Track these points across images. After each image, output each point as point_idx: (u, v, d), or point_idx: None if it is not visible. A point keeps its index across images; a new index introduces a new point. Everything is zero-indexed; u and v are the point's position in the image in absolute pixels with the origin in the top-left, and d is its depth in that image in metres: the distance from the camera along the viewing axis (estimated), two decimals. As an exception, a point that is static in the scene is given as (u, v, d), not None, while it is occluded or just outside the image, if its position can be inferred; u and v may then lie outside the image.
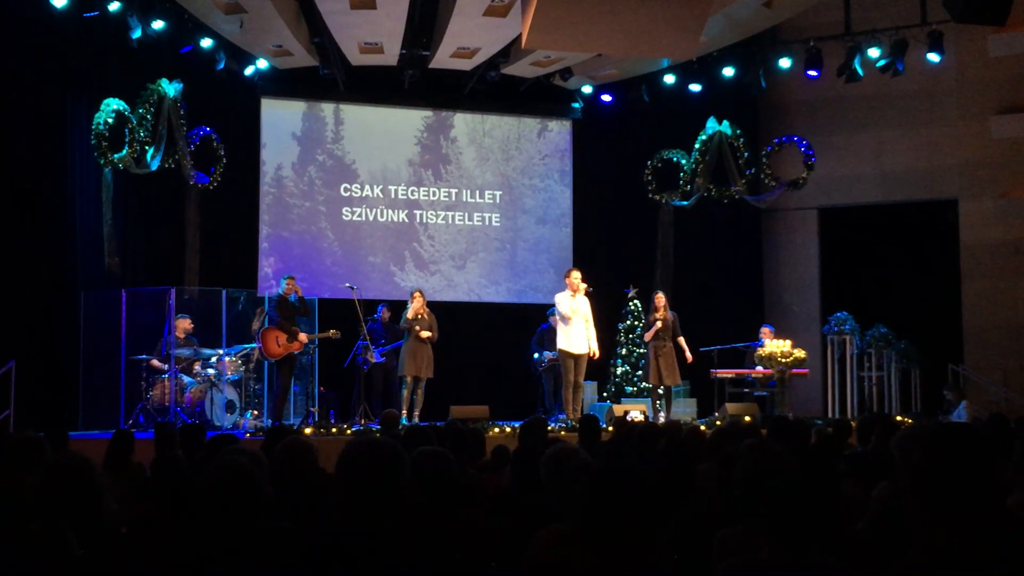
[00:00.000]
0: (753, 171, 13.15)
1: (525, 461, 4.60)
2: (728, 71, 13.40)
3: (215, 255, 12.29)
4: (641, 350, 12.60)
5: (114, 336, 11.15)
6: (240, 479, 2.99)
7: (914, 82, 14.03)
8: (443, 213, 14.22)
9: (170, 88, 11.13)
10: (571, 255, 14.36)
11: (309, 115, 13.81)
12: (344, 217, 13.83)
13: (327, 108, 13.87)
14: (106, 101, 10.78)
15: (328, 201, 13.79)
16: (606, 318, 12.44)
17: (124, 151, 10.83)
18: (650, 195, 13.32)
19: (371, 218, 13.94)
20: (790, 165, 13.54)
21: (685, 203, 13.27)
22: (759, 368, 12.01)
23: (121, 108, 10.83)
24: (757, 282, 15.40)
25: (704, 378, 12.48)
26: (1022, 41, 13.77)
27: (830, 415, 12.82)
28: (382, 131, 14.07)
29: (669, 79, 13.71)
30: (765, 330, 12.60)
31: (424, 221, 14.14)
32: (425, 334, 11.16)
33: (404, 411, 10.92)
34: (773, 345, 11.75)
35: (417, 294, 11.42)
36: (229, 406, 10.86)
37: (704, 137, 13.04)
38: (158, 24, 10.94)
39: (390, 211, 14.02)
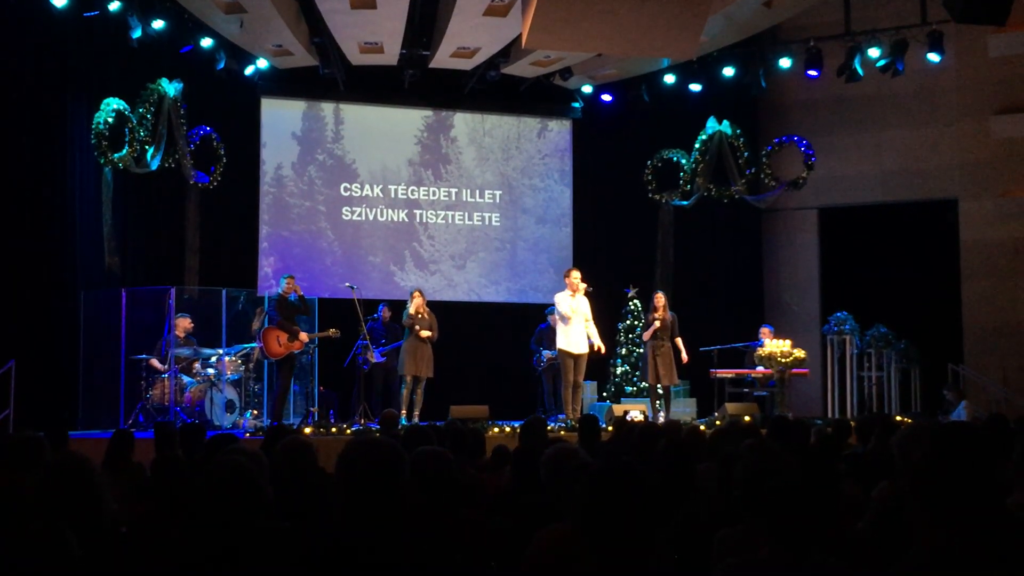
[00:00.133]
0: (753, 171, 13.14)
1: (525, 461, 4.60)
2: (728, 71, 13.40)
3: (215, 255, 12.29)
4: (641, 350, 12.61)
5: (114, 336, 11.15)
6: (240, 479, 2.99)
7: (914, 82, 14.03)
8: (443, 213, 14.22)
9: (170, 88, 11.13)
10: (571, 255, 14.36)
11: (309, 115, 13.81)
12: (344, 217, 13.83)
13: (327, 108, 13.87)
14: (106, 101, 10.78)
15: (328, 201, 13.79)
16: (606, 318, 12.44)
17: (124, 151, 10.83)
18: (650, 195, 13.32)
19: (371, 218, 13.94)
20: (790, 165, 13.54)
21: (685, 203, 13.26)
22: (759, 368, 12.01)
23: (121, 108, 10.83)
24: (757, 282, 15.40)
25: (704, 378, 12.48)
26: (1022, 41, 13.77)
27: (830, 415, 12.83)
28: (382, 131, 14.07)
29: (669, 79, 13.72)
30: (765, 330, 12.60)
31: (424, 221, 14.14)
32: (425, 333, 11.16)
33: (403, 411, 10.92)
34: (773, 345, 11.75)
35: (417, 293, 11.42)
36: (229, 406, 10.87)
37: (704, 137, 13.04)
38: (158, 24, 10.95)
39: (390, 211, 14.02)
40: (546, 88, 14.16)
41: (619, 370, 13.35)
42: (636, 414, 10.71)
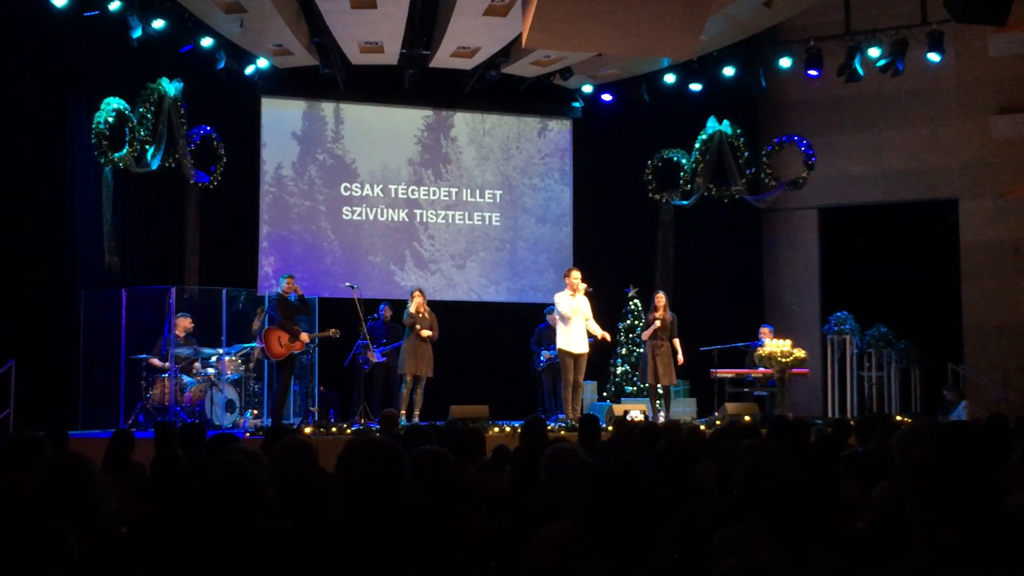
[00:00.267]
0: (753, 171, 13.14)
1: (525, 461, 4.60)
2: (728, 71, 13.40)
3: (215, 254, 12.27)
4: (641, 350, 12.61)
5: (114, 335, 11.16)
6: (240, 479, 2.99)
7: (914, 82, 14.03)
8: (443, 212, 14.22)
9: (170, 87, 11.12)
10: (571, 255, 14.36)
11: (309, 114, 13.81)
12: (344, 216, 13.82)
13: (327, 107, 13.87)
14: (106, 100, 10.78)
15: (328, 200, 13.79)
16: (606, 318, 12.42)
17: (124, 150, 10.83)
18: (650, 195, 13.31)
19: (371, 217, 13.94)
20: (790, 165, 13.54)
21: (685, 203, 13.26)
22: (759, 368, 12.01)
23: (121, 107, 10.83)
24: (757, 282, 15.41)
25: (704, 378, 12.48)
26: (1022, 41, 13.77)
27: (830, 415, 12.83)
28: (382, 130, 14.07)
29: (669, 79, 13.71)
30: (765, 330, 12.60)
31: (424, 220, 14.14)
32: (426, 333, 11.16)
33: (403, 410, 10.92)
34: (773, 345, 11.76)
35: (417, 293, 11.43)
36: (229, 405, 10.87)
37: (704, 137, 13.03)
38: (158, 23, 10.96)
39: (390, 210, 14.02)
40: (546, 88, 14.16)
41: (619, 370, 13.36)
42: (636, 414, 10.72)
